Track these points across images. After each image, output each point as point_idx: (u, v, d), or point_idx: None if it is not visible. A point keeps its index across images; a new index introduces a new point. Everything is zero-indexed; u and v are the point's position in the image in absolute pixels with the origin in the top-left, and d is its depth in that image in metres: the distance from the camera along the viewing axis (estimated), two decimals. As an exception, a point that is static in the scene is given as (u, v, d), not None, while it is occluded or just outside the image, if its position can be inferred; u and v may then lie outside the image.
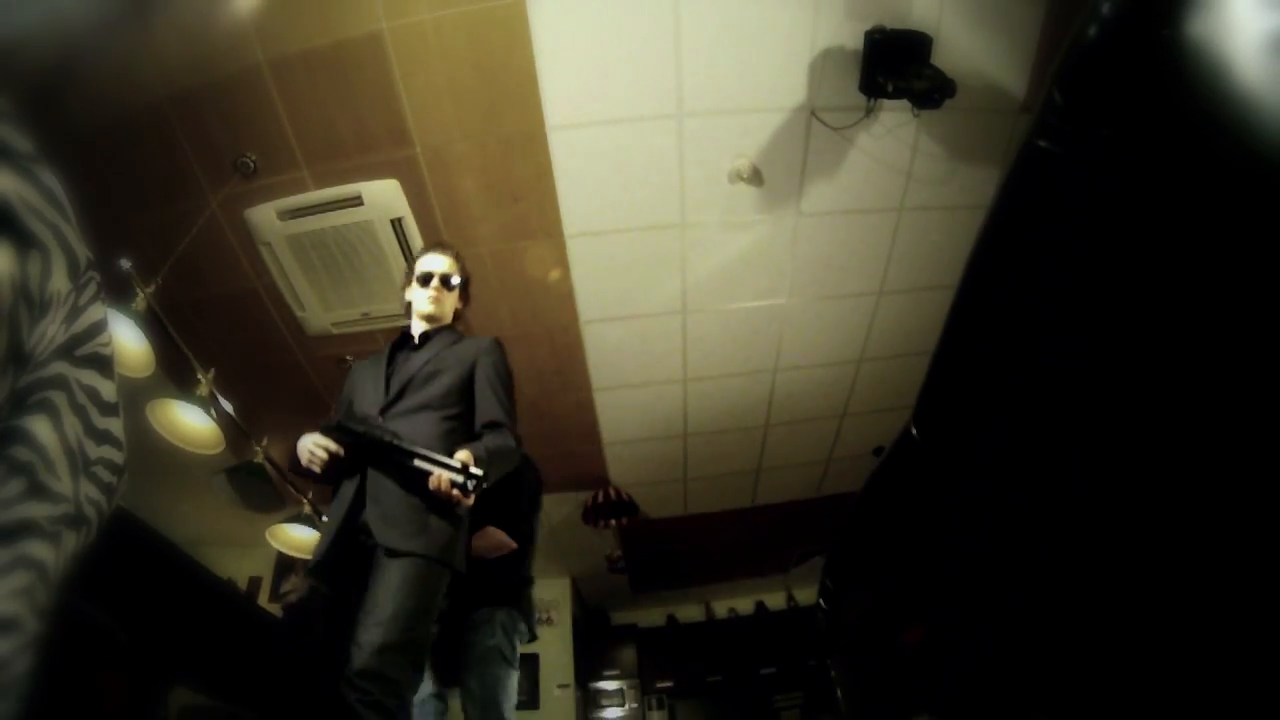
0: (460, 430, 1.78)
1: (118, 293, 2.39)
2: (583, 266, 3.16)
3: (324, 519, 3.08)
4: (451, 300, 2.04)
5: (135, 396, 2.62)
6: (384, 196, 2.79)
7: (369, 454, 1.63)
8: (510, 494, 2.21)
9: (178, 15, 2.28)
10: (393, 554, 1.53)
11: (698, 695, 5.78)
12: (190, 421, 2.79)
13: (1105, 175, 0.94)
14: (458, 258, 2.08)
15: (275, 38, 2.35)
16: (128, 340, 2.37)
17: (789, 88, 2.64)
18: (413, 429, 1.69)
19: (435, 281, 1.99)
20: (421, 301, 1.98)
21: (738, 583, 6.28)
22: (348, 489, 1.66)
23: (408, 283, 2.06)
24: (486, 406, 1.82)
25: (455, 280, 2.04)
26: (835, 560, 2.63)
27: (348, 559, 1.59)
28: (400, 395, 1.79)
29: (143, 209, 2.77)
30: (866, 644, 2.45)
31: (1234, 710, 0.99)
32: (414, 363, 1.87)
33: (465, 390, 1.83)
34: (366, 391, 1.84)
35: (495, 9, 2.36)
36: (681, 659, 5.94)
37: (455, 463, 1.52)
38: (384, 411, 1.74)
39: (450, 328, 2.01)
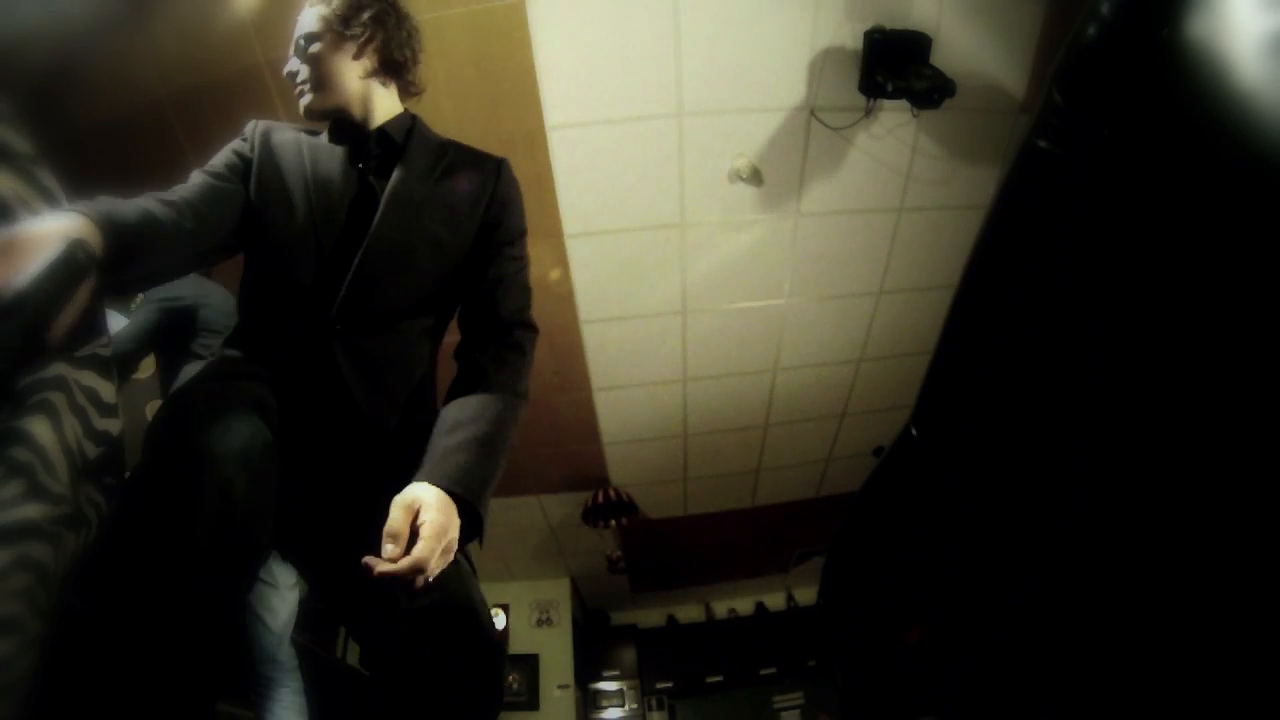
0: (431, 344, 1.15)
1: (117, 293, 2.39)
2: (583, 266, 3.16)
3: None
4: (337, 74, 1.17)
5: (135, 397, 2.62)
6: (384, 197, 2.78)
7: None
8: None
9: (177, 15, 2.28)
10: None
11: (698, 695, 5.77)
12: (190, 422, 2.79)
13: (1104, 175, 0.94)
14: None
15: (275, 38, 2.35)
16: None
17: (788, 88, 2.64)
18: (381, 363, 1.06)
19: (293, 50, 1.19)
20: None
21: (738, 583, 6.27)
22: None
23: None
24: (515, 294, 1.14)
25: (316, 31, 1.18)
26: (835, 560, 2.63)
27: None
28: (368, 282, 1.04)
29: (142, 209, 2.77)
30: (866, 644, 2.45)
31: (1234, 709, 0.99)
32: (400, 208, 1.09)
33: (458, 269, 1.14)
34: (287, 217, 1.06)
35: (495, 9, 2.36)
36: (681, 659, 5.93)
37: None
38: (340, 313, 1.03)
39: (408, 116, 1.23)
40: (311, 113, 1.18)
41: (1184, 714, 1.07)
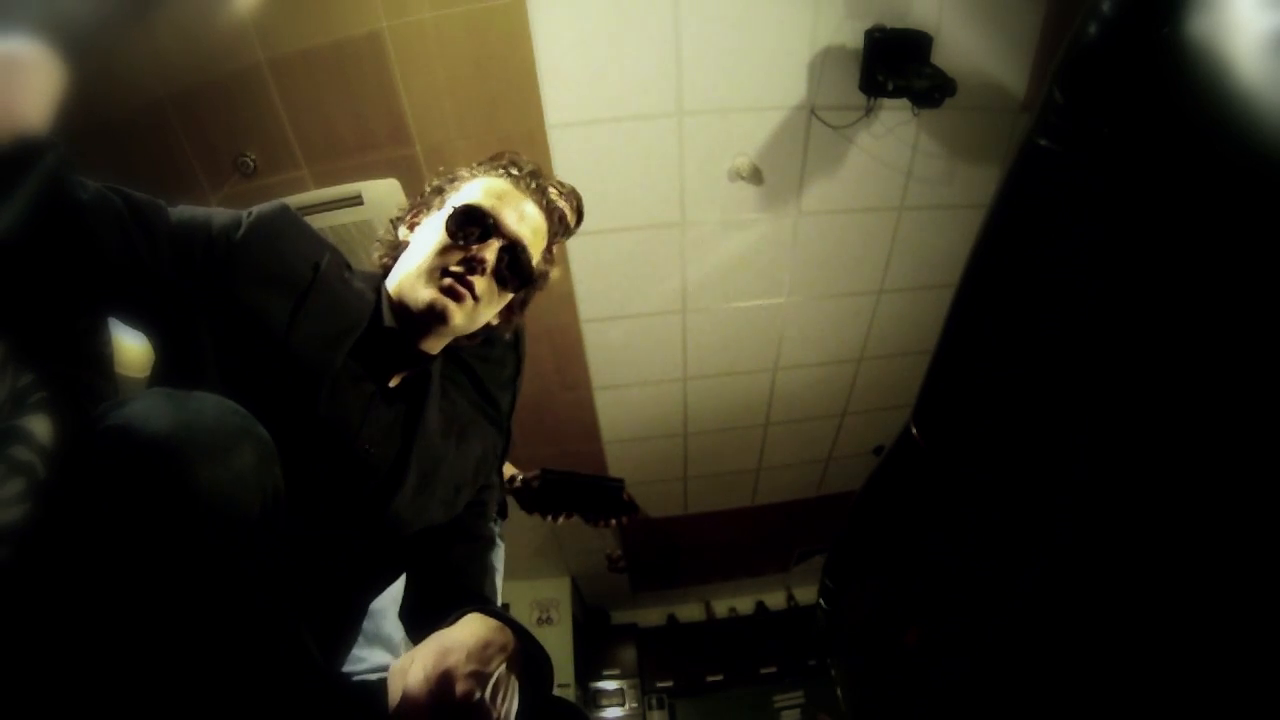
0: None
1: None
2: (583, 266, 3.16)
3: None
4: (494, 307, 1.02)
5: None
6: (384, 196, 2.78)
7: None
8: None
9: (178, 15, 2.28)
10: None
11: (698, 695, 5.77)
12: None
13: (1105, 174, 0.94)
14: (550, 207, 1.03)
15: (275, 37, 2.35)
16: (127, 339, 2.37)
17: (789, 86, 2.64)
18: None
19: (492, 249, 0.93)
20: (423, 282, 0.91)
21: (738, 582, 6.27)
22: None
23: (417, 213, 1.01)
24: (475, 577, 1.02)
25: (532, 258, 0.98)
26: (835, 560, 2.63)
27: None
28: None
29: (143, 208, 2.77)
30: (867, 644, 2.45)
31: (1235, 711, 0.99)
32: (431, 451, 0.96)
33: None
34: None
35: (496, 8, 2.36)
36: (681, 659, 5.93)
37: None
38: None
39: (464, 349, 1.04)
40: (422, 324, 0.96)
41: (1184, 714, 1.07)
